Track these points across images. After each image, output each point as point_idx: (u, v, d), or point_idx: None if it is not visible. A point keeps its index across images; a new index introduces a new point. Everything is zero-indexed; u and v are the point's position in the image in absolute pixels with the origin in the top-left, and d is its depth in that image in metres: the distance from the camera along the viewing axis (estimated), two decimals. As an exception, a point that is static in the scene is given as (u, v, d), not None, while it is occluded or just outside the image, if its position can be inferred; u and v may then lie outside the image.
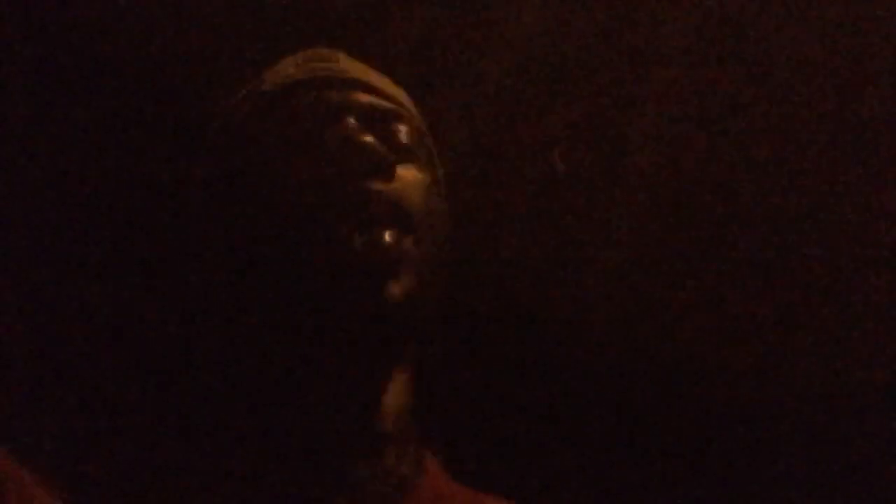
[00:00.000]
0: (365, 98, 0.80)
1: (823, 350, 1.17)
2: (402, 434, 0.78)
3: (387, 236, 0.72)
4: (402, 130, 0.81)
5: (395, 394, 0.77)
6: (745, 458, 1.14)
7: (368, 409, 0.76)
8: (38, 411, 0.97)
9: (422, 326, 0.79)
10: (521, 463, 1.06)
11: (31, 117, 1.11)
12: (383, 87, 0.83)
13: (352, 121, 0.77)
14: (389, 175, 0.75)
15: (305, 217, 0.73)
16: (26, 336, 1.04)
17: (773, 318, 1.19)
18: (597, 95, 1.22)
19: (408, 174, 0.77)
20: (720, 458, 1.13)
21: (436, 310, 0.80)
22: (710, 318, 1.18)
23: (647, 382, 1.13)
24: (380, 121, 0.79)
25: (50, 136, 1.11)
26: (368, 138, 0.75)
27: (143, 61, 1.13)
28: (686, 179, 1.21)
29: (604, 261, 1.19)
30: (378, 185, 0.73)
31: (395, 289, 0.72)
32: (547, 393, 1.11)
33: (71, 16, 1.13)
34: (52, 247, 1.08)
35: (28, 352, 1.03)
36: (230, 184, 0.79)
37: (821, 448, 1.13)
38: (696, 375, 1.15)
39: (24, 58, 1.11)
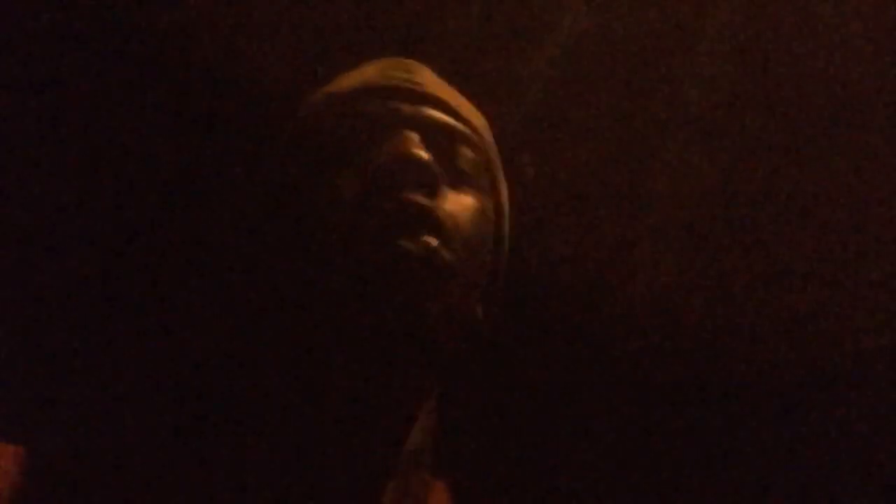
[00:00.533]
0: (434, 115, 0.79)
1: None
2: (412, 468, 0.77)
3: (426, 243, 0.70)
4: (466, 154, 0.79)
5: (418, 430, 0.77)
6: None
7: (390, 444, 0.74)
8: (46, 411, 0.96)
9: (455, 355, 0.77)
10: (531, 487, 1.07)
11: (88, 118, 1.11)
12: (458, 108, 0.82)
13: (411, 134, 0.75)
14: (435, 192, 0.73)
15: (346, 224, 0.72)
16: (29, 338, 1.03)
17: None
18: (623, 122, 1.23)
19: (460, 198, 0.76)
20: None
21: (469, 341, 0.79)
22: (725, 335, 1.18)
23: (664, 413, 1.14)
24: (445, 140, 0.78)
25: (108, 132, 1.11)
26: (421, 153, 0.73)
27: (222, 60, 1.13)
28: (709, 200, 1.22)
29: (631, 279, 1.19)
30: (422, 200, 0.72)
31: (432, 303, 0.70)
32: (559, 417, 1.11)
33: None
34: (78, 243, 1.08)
35: (36, 356, 1.02)
36: (287, 183, 0.79)
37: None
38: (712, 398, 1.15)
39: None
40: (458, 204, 0.76)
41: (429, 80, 0.83)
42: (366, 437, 0.73)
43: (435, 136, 0.78)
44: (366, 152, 0.75)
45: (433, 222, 0.72)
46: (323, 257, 0.72)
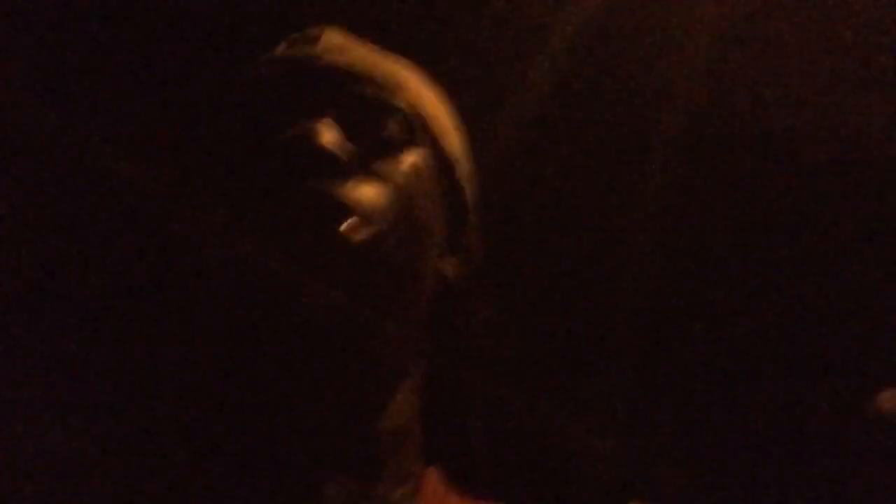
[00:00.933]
0: (345, 88, 0.77)
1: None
2: (400, 456, 0.75)
3: (334, 231, 0.69)
4: (390, 121, 0.78)
5: (396, 413, 0.75)
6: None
7: (365, 430, 0.73)
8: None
9: (420, 339, 0.77)
10: (525, 474, 1.05)
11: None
12: (372, 71, 0.80)
13: (316, 123, 0.73)
14: (340, 177, 0.72)
15: (257, 222, 0.71)
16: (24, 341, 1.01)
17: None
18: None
19: (383, 168, 0.75)
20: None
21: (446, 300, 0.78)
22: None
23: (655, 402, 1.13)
24: (360, 113, 0.76)
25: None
26: (322, 141, 0.72)
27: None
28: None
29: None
30: (324, 189, 0.71)
31: (366, 280, 0.70)
32: (551, 403, 1.09)
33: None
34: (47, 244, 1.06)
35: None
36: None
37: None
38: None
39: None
40: (377, 177, 0.74)
41: (337, 44, 0.81)
42: (339, 417, 0.72)
43: (349, 110, 0.76)
44: (271, 148, 0.74)
45: (340, 209, 0.70)
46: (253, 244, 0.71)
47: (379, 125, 0.77)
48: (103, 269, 1.04)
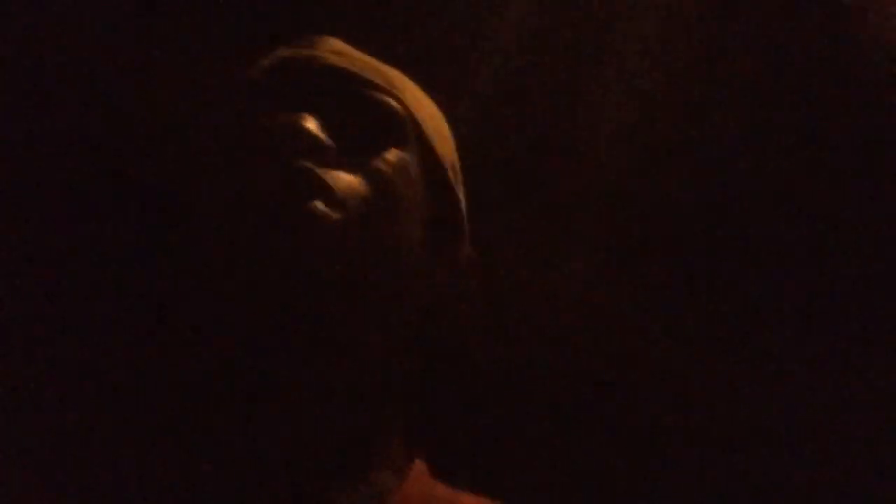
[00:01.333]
0: (342, 92, 0.80)
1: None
2: (386, 445, 0.78)
3: (314, 207, 0.72)
4: (375, 124, 0.80)
5: (383, 406, 0.78)
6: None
7: (355, 423, 0.75)
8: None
9: (404, 336, 0.79)
10: (506, 464, 1.06)
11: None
12: (371, 74, 0.82)
13: (301, 113, 0.76)
14: (324, 160, 0.75)
15: (244, 202, 0.73)
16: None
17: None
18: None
19: (372, 163, 0.77)
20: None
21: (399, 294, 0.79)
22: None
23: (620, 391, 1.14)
24: (350, 112, 0.79)
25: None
26: (307, 124, 0.75)
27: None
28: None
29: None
30: (307, 165, 0.73)
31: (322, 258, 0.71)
32: (531, 395, 1.11)
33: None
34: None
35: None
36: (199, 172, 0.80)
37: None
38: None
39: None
40: (361, 167, 0.77)
41: (338, 49, 0.84)
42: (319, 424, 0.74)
43: (339, 109, 0.79)
44: (261, 134, 0.76)
45: (320, 186, 0.73)
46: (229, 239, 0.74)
47: (371, 124, 0.80)
48: (89, 261, 1.04)
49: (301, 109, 0.77)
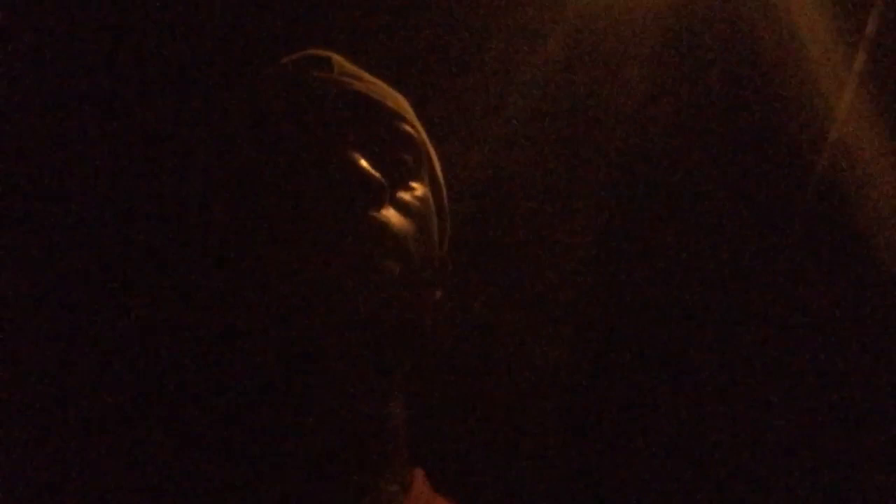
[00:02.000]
0: (367, 120, 0.77)
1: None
2: (392, 454, 0.77)
3: (384, 265, 0.70)
4: (405, 157, 0.78)
5: (390, 416, 0.77)
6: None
7: (363, 430, 0.75)
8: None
9: (413, 347, 0.77)
10: (505, 475, 1.07)
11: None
12: (385, 98, 0.80)
13: (352, 151, 0.73)
14: (382, 202, 0.72)
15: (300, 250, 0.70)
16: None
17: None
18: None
19: (405, 197, 0.76)
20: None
21: (426, 330, 0.78)
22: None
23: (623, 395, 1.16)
24: (381, 144, 0.77)
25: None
26: (366, 166, 0.72)
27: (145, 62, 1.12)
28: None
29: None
30: (373, 213, 0.71)
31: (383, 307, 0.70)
32: (529, 404, 1.12)
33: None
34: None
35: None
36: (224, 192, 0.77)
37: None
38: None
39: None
40: (404, 205, 0.76)
41: (352, 71, 0.82)
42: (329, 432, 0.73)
43: (372, 142, 0.76)
44: (312, 171, 0.73)
45: (384, 235, 0.71)
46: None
47: (400, 155, 0.78)
48: (95, 261, 1.04)
49: (342, 142, 0.74)
